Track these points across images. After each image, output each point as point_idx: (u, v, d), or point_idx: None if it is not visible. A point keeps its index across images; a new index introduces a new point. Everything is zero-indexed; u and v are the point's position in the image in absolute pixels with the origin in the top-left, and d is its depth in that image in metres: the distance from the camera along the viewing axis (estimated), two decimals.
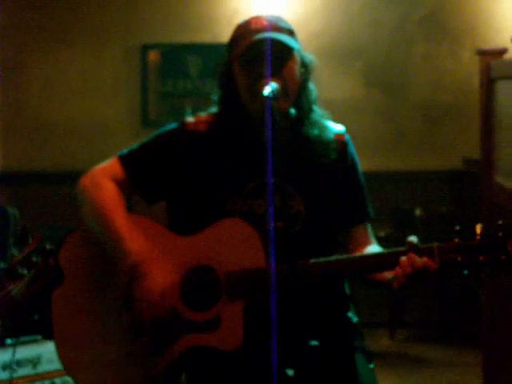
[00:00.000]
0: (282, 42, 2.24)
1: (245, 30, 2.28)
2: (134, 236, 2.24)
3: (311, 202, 2.32)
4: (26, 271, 1.98)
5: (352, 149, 2.42)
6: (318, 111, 2.38)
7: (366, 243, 2.40)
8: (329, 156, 2.35)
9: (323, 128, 2.37)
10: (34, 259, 2.00)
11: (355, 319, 2.40)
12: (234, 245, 2.21)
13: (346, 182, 2.39)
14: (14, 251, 1.98)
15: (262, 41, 2.22)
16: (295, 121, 2.33)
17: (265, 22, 2.27)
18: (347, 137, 2.42)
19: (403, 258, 2.12)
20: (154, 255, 2.22)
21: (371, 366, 2.36)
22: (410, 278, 2.11)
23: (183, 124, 2.39)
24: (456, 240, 2.14)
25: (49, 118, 6.45)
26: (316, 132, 2.34)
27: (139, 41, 6.40)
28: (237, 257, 2.20)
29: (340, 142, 2.39)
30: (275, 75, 2.21)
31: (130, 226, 2.26)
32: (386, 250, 2.21)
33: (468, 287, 5.72)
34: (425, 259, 2.11)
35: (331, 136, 2.37)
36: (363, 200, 2.43)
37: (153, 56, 6.42)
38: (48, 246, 2.02)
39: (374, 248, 2.37)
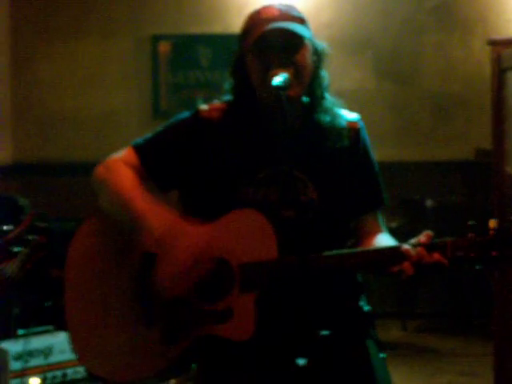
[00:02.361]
0: (293, 31, 2.23)
1: (256, 20, 2.28)
2: (156, 212, 2.22)
3: (324, 189, 2.31)
4: (18, 249, 1.96)
5: (365, 135, 2.40)
6: (330, 99, 2.37)
7: (377, 232, 2.38)
8: (341, 143, 2.34)
9: (335, 115, 2.36)
10: (28, 237, 1.98)
11: (366, 308, 2.40)
12: (247, 236, 2.21)
13: (358, 168, 2.38)
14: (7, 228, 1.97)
15: (273, 31, 2.22)
16: (307, 108, 2.33)
17: (276, 11, 2.27)
18: (361, 124, 2.41)
19: (413, 253, 2.11)
20: (177, 227, 2.21)
21: (383, 355, 2.36)
22: (418, 272, 2.10)
23: (197, 112, 2.39)
24: (470, 235, 2.12)
25: (59, 110, 6.47)
26: (328, 119, 2.34)
27: (150, 32, 6.40)
28: (250, 248, 2.20)
29: (353, 129, 2.38)
30: (287, 64, 2.22)
31: (152, 201, 2.25)
32: (397, 244, 2.19)
33: (480, 278, 5.71)
34: (436, 255, 2.10)
35: (344, 123, 2.37)
36: (376, 187, 2.42)
37: (163, 47, 6.42)
38: (40, 224, 2.01)
39: (384, 237, 2.36)
